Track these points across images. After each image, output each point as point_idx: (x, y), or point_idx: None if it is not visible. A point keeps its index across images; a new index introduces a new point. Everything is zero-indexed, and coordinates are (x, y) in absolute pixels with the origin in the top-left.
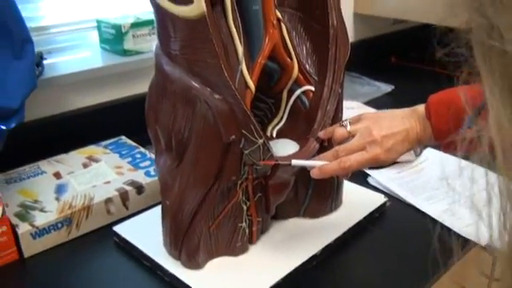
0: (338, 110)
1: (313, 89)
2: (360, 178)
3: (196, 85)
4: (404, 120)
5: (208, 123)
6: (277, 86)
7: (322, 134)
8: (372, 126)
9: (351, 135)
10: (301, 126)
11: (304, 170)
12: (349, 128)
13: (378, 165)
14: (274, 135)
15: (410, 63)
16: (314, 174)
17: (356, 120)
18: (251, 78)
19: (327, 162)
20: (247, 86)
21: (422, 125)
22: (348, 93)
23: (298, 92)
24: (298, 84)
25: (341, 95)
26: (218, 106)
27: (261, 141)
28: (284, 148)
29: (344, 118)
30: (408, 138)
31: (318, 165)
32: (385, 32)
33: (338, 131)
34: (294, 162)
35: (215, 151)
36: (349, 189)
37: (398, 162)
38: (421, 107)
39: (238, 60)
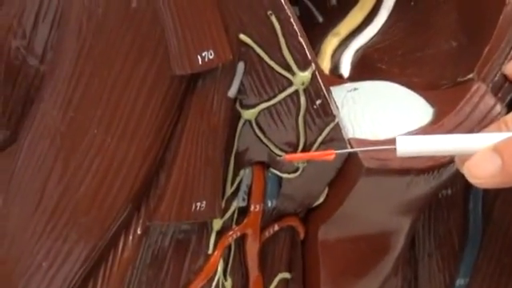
0: None
1: None
2: None
3: None
4: None
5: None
6: None
7: None
8: None
9: None
10: (440, 41)
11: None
12: None
13: None
14: (346, 69)
15: None
16: (472, 171)
17: None
18: None
19: None
20: None
21: None
22: None
23: None
24: None
25: None
26: None
27: (303, 75)
28: (382, 112)
29: None
30: None
31: (486, 147)
32: None
33: None
34: (404, 142)
35: (144, 103)
36: None
37: None
38: None
39: None
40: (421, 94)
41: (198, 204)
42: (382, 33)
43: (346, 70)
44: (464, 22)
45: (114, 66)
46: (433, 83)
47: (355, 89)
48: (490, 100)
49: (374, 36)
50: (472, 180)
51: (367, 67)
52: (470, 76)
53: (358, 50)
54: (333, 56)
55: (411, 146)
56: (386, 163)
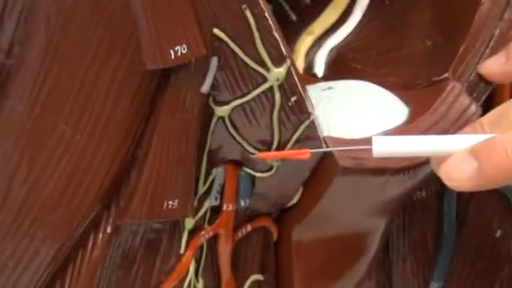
0: None
1: None
2: None
3: None
4: None
5: None
6: None
7: (492, 65)
8: None
9: None
10: (415, 41)
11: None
12: None
13: None
14: (320, 68)
15: None
16: (449, 173)
17: None
18: None
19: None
20: None
21: None
22: None
23: None
24: None
25: None
26: None
27: (277, 71)
28: (357, 111)
29: None
30: None
31: (463, 149)
32: None
33: None
34: (380, 142)
35: (115, 99)
36: None
37: None
38: None
39: None
40: (396, 94)
41: (170, 202)
42: (357, 32)
43: (320, 69)
44: (439, 21)
45: (83, 60)
46: (408, 83)
47: (330, 88)
48: (464, 100)
49: (349, 35)
50: (448, 183)
51: (341, 67)
52: (446, 75)
53: (332, 50)
54: (307, 55)
55: (387, 147)
56: (361, 162)
